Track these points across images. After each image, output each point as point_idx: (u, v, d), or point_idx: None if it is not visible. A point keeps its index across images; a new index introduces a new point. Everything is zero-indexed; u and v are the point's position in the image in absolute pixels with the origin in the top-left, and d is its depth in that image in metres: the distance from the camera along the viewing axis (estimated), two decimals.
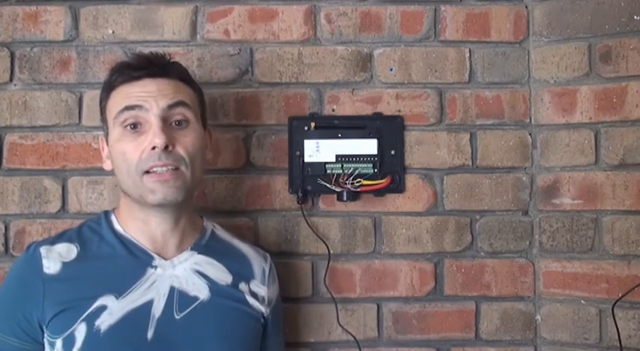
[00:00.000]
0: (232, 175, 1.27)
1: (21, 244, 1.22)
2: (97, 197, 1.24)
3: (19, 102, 1.25)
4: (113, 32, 1.27)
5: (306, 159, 1.25)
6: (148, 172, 0.94)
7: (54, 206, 1.24)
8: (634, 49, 1.23)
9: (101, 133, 1.05)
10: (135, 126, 0.95)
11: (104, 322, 0.91)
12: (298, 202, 1.24)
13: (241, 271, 1.05)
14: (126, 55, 1.26)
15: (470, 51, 1.30)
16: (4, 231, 1.23)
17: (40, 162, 1.24)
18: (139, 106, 0.95)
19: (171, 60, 1.04)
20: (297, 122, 1.26)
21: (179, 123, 0.97)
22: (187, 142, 0.97)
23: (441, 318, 1.28)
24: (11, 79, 1.25)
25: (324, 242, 1.25)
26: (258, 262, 1.09)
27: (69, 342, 0.90)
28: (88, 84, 1.26)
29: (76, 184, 1.25)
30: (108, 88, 1.01)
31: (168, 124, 0.96)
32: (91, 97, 1.26)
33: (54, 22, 1.26)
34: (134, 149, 0.94)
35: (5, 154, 1.24)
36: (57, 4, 1.26)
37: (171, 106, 0.96)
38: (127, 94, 0.96)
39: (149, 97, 0.95)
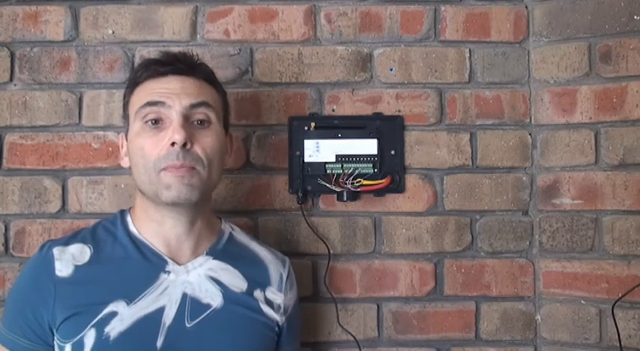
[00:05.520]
0: (232, 175, 1.27)
1: (21, 245, 1.23)
2: (97, 197, 1.24)
3: (19, 102, 1.25)
4: (113, 32, 1.27)
5: (306, 159, 1.25)
6: (164, 168, 0.92)
7: (54, 206, 1.24)
8: (634, 49, 1.23)
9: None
10: (156, 121, 0.94)
11: (114, 328, 0.90)
12: (298, 202, 1.24)
13: (257, 277, 1.03)
14: (126, 55, 1.27)
15: (470, 51, 1.31)
16: (4, 231, 1.23)
17: (40, 162, 1.24)
18: (162, 103, 0.94)
19: (199, 60, 1.03)
20: (297, 122, 1.26)
21: (201, 122, 0.96)
22: (207, 142, 0.95)
23: (441, 318, 1.28)
24: (11, 79, 1.25)
25: (324, 242, 1.25)
26: (276, 268, 1.06)
27: (78, 347, 0.89)
28: (88, 84, 1.26)
29: (76, 184, 1.25)
30: (133, 83, 1.00)
31: (189, 123, 0.95)
32: (91, 97, 1.26)
33: (54, 22, 1.26)
34: (153, 145, 0.93)
35: (5, 154, 1.24)
36: (57, 4, 1.26)
37: (194, 106, 0.95)
38: (150, 89, 0.95)
39: (172, 94, 0.94)
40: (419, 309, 1.28)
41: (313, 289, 1.27)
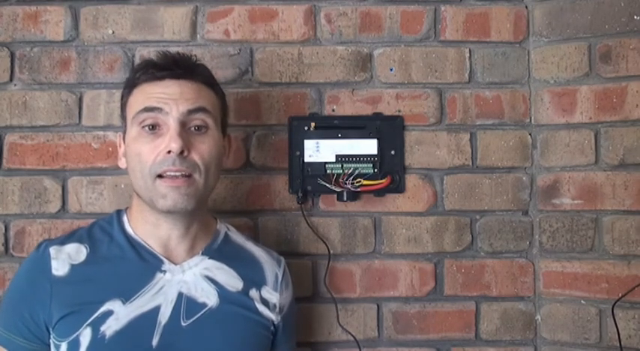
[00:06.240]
0: (232, 175, 1.27)
1: (21, 245, 1.23)
2: (97, 197, 1.24)
3: (19, 102, 1.25)
4: (113, 32, 1.27)
5: (306, 159, 1.25)
6: (160, 175, 0.92)
7: (54, 206, 1.24)
8: (634, 49, 1.23)
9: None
10: (153, 127, 0.94)
11: (110, 327, 0.90)
12: (298, 202, 1.24)
13: (253, 276, 1.03)
14: (126, 55, 1.27)
15: (470, 51, 1.31)
16: (4, 231, 1.23)
17: (40, 162, 1.24)
18: (159, 109, 0.93)
19: (197, 62, 1.02)
20: (297, 122, 1.26)
21: (198, 128, 0.96)
22: (204, 148, 0.95)
23: (441, 318, 1.28)
24: (11, 79, 1.25)
25: (324, 242, 1.25)
26: (271, 267, 1.07)
27: (74, 346, 0.89)
28: (88, 84, 1.26)
29: (76, 184, 1.25)
30: (130, 85, 0.99)
31: (186, 129, 0.95)
32: (91, 97, 1.26)
33: (54, 22, 1.26)
34: (150, 151, 0.93)
35: (5, 154, 1.24)
36: (57, 4, 1.26)
37: (191, 111, 0.95)
38: (148, 94, 0.95)
39: (170, 99, 0.94)
40: (419, 309, 1.28)
41: (313, 289, 1.27)
